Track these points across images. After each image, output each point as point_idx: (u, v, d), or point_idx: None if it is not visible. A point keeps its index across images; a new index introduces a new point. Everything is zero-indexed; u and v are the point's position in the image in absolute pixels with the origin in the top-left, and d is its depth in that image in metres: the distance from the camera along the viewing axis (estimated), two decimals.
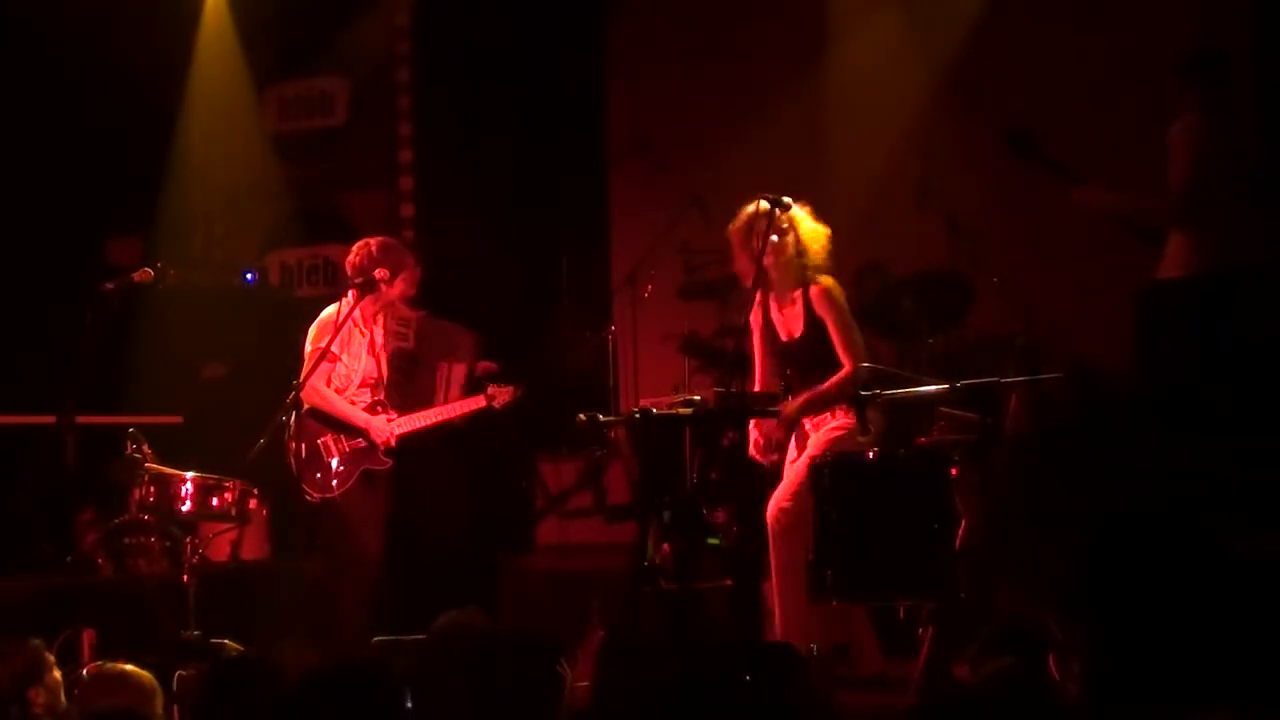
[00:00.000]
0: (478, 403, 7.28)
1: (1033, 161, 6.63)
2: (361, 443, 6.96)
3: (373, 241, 7.11)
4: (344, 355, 6.99)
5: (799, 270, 6.37)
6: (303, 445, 6.84)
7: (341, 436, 6.94)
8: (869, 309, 7.62)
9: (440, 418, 7.21)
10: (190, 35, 9.83)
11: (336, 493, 6.89)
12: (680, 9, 9.70)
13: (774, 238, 6.29)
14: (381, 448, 6.98)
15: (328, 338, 6.87)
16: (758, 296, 6.48)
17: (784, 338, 6.46)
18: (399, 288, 7.03)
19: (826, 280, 6.35)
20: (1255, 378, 6.43)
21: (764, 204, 6.31)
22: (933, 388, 6.46)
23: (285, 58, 10.11)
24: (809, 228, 6.39)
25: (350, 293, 6.97)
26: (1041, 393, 7.46)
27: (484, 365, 7.81)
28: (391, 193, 10.05)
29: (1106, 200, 6.64)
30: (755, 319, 6.54)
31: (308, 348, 6.97)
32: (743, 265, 6.41)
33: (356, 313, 6.96)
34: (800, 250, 6.36)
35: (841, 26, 9.10)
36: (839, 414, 6.25)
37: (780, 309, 6.46)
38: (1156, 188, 6.44)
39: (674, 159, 9.27)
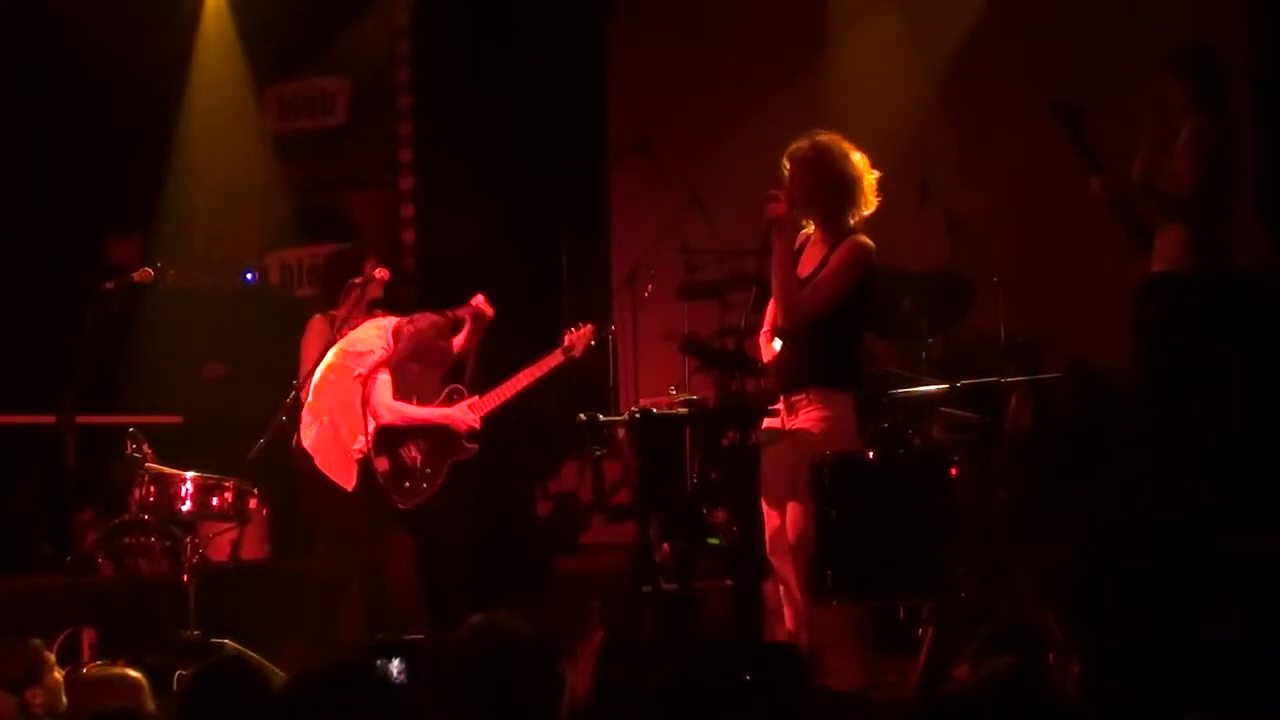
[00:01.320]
0: (556, 359, 7.06)
1: (1074, 137, 6.58)
2: (441, 437, 6.85)
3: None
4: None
5: (827, 219, 5.96)
6: (385, 458, 6.74)
7: (419, 438, 6.83)
8: None
9: (521, 385, 6.98)
10: (190, 35, 9.83)
11: (429, 494, 6.80)
12: (680, 9, 9.70)
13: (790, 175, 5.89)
14: (466, 434, 6.83)
15: (322, 343, 6.88)
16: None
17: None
18: (346, 305, 6.93)
19: (862, 240, 5.91)
20: (1255, 377, 6.45)
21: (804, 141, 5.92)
22: (933, 388, 6.46)
23: (285, 58, 10.11)
24: (838, 173, 5.89)
25: (351, 294, 6.98)
26: (1041, 393, 7.48)
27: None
28: (391, 193, 10.04)
29: (1120, 191, 6.65)
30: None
31: (311, 359, 6.94)
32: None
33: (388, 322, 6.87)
34: (822, 194, 5.92)
35: (841, 26, 9.10)
36: (815, 404, 5.92)
37: (807, 250, 6.06)
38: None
39: (674, 159, 9.26)
